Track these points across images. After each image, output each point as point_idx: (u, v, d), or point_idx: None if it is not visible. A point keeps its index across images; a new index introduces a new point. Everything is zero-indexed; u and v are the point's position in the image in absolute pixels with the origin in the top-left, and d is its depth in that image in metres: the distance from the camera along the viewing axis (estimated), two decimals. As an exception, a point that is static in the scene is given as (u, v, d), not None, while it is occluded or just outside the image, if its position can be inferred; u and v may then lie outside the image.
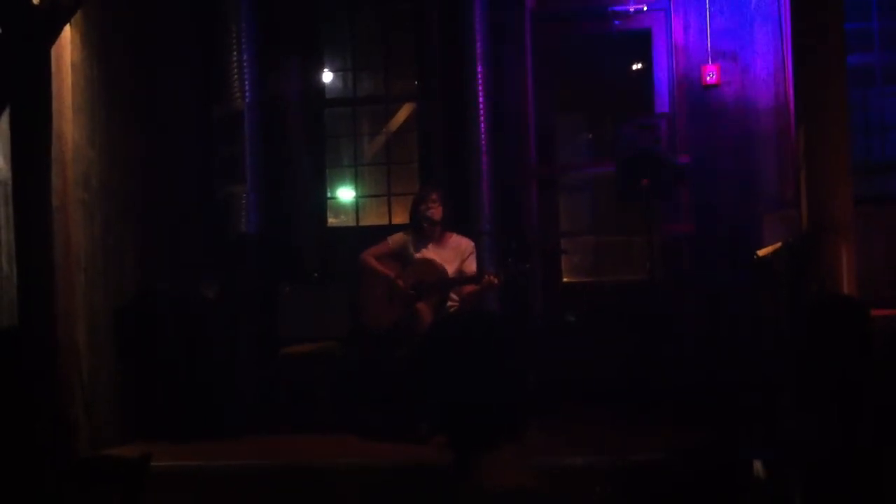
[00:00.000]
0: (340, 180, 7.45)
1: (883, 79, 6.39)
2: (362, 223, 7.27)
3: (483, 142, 6.45)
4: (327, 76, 7.38)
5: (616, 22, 6.74)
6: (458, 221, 5.92)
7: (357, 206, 7.37)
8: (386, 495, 4.46)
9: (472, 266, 5.67)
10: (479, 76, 6.46)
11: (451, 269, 5.59)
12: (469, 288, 5.56)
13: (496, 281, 5.38)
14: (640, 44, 6.86)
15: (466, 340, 1.95)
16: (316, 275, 6.75)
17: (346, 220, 7.44)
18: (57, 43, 4.65)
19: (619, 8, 6.72)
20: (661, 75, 6.75)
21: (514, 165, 6.66)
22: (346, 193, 7.48)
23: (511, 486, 1.86)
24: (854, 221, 4.55)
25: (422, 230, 5.71)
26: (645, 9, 6.70)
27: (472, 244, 5.76)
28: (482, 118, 6.46)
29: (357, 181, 7.40)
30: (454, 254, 5.68)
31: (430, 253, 5.68)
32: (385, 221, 7.14)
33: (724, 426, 4.64)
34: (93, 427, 5.14)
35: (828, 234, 4.52)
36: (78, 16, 4.95)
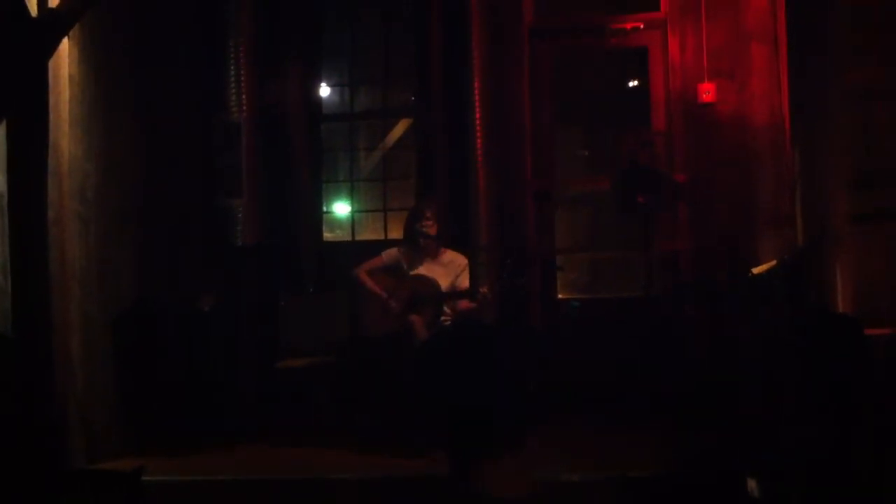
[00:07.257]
0: (337, 195, 7.44)
1: (881, 94, 6.38)
2: (358, 238, 7.25)
3: (479, 157, 6.44)
4: (325, 90, 7.38)
5: (613, 40, 6.76)
6: (455, 236, 5.91)
7: (353, 221, 7.35)
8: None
9: (465, 282, 5.68)
10: (477, 91, 6.46)
11: (444, 285, 5.60)
12: (465, 304, 5.57)
13: (489, 295, 5.41)
14: (637, 61, 6.88)
15: (461, 351, 1.95)
16: (311, 290, 6.75)
17: (342, 235, 7.42)
18: (54, 56, 4.67)
19: (615, 26, 6.74)
20: (658, 92, 6.76)
21: (510, 181, 6.65)
22: (342, 208, 7.47)
23: (510, 496, 1.85)
24: (851, 237, 4.55)
25: (416, 245, 5.72)
26: (642, 27, 6.73)
27: (465, 261, 5.77)
28: (479, 133, 6.45)
29: (353, 196, 7.39)
30: (448, 270, 5.69)
31: (423, 270, 5.69)
32: (381, 237, 7.12)
33: (722, 441, 4.63)
34: (88, 439, 5.10)
35: (824, 249, 4.52)
36: (76, 28, 4.95)
